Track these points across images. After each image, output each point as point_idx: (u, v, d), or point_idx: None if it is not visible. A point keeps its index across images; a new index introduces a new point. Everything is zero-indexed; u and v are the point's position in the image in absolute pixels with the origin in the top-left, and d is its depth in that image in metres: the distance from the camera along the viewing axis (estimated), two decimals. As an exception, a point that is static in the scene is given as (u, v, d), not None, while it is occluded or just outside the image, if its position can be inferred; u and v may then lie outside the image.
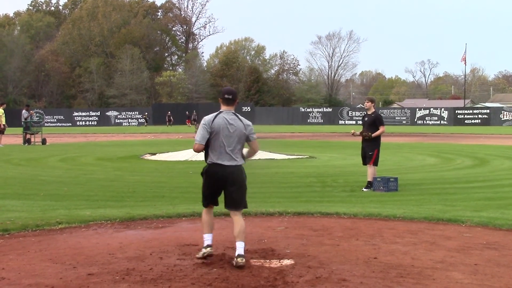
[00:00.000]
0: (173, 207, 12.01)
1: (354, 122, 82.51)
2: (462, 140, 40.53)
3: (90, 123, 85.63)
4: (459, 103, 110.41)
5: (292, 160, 23.59)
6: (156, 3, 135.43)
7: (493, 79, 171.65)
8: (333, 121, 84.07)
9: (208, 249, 7.60)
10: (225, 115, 7.58)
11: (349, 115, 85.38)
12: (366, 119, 15.24)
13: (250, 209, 11.48)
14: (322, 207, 11.92)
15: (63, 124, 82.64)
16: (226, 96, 7.65)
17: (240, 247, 7.39)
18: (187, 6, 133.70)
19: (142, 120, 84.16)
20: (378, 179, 14.79)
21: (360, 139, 15.47)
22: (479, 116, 79.78)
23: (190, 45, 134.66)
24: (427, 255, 7.96)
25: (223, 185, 7.66)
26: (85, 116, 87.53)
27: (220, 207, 11.66)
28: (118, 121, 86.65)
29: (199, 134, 7.53)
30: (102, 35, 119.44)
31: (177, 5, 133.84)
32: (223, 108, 7.68)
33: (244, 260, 7.25)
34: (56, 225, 10.03)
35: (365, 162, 15.23)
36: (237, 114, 7.72)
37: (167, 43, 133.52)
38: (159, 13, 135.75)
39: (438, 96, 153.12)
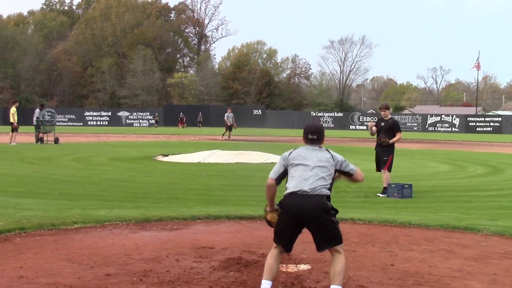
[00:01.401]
0: (188, 209, 11.99)
1: (365, 127, 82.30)
2: (474, 147, 40.39)
3: (101, 123, 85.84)
4: (471, 110, 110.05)
5: (305, 164, 23.50)
6: (169, 4, 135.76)
7: (505, 87, 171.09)
8: (344, 126, 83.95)
9: None
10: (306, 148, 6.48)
11: (360, 120, 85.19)
12: (383, 124, 15.19)
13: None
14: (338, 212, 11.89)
15: (75, 123, 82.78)
16: (310, 136, 6.47)
17: None
18: (200, 8, 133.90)
19: (153, 121, 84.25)
20: (393, 185, 14.76)
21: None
22: (491, 124, 79.47)
23: (203, 47, 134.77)
24: (445, 263, 7.93)
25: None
26: (96, 116, 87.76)
27: (236, 209, 11.79)
28: (129, 121, 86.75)
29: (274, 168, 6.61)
30: (115, 35, 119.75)
31: (190, 6, 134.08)
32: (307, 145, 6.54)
33: None
34: (72, 225, 10.04)
35: (379, 168, 15.22)
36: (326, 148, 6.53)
37: (179, 44, 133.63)
38: (172, 15, 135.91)
39: (450, 103, 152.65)
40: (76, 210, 11.54)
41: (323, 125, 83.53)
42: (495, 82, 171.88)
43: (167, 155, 25.87)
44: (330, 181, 6.29)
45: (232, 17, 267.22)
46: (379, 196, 14.77)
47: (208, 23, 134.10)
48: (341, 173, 6.47)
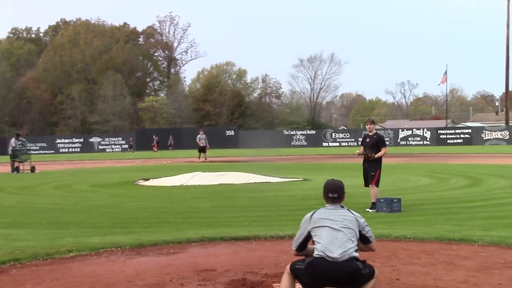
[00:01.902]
0: (181, 232, 11.91)
1: (337, 144, 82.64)
2: (450, 159, 40.71)
3: (73, 150, 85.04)
4: (441, 123, 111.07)
5: (288, 183, 23.55)
6: (137, 28, 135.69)
7: (471, 99, 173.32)
8: (316, 144, 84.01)
9: None
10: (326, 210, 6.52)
11: (333, 137, 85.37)
12: (368, 140, 15.31)
13: (259, 232, 11.53)
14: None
15: (46, 151, 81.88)
16: (330, 195, 6.52)
17: None
18: (169, 31, 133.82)
19: (126, 146, 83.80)
20: (382, 200, 14.82)
21: (359, 160, 15.51)
22: (461, 135, 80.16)
23: (172, 70, 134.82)
24: (449, 276, 7.96)
25: None
26: (68, 143, 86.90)
27: (230, 230, 11.74)
28: (102, 147, 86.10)
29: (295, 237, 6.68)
30: (84, 61, 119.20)
31: (158, 30, 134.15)
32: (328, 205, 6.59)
33: None
34: (67, 253, 9.90)
35: (367, 183, 15.30)
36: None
37: (149, 68, 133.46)
38: (140, 39, 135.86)
39: (419, 116, 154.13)
40: (68, 239, 11.40)
41: (296, 143, 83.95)
42: (462, 95, 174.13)
43: (148, 179, 25.72)
44: (357, 242, 6.24)
45: (201, 39, 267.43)
46: (368, 211, 14.81)
47: (177, 46, 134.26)
48: (360, 236, 6.38)
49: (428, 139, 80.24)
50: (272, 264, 8.91)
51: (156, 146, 78.98)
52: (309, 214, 6.51)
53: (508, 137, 75.83)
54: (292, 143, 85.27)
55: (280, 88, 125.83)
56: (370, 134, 15.40)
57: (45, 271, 8.75)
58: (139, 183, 24.93)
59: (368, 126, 15.43)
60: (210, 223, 13.36)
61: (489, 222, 12.70)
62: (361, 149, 15.51)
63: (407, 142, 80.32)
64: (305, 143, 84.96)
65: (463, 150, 57.92)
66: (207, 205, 16.89)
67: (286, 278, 6.38)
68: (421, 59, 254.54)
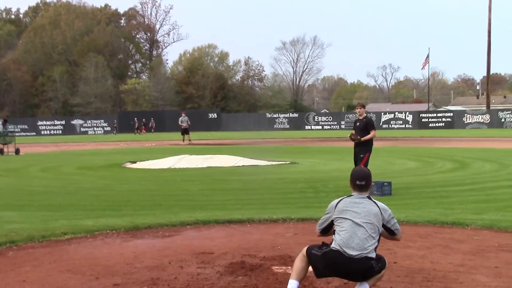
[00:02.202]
0: (175, 215, 11.92)
1: (320, 127, 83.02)
2: (434, 143, 40.98)
3: (55, 132, 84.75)
4: (422, 106, 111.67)
5: (276, 166, 23.60)
6: (119, 10, 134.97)
7: (452, 83, 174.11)
8: (299, 127, 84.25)
9: None
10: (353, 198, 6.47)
11: (315, 120, 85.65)
12: (358, 124, 15.43)
13: (254, 215, 11.58)
14: (323, 212, 11.96)
15: (27, 133, 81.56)
16: (358, 182, 6.46)
17: None
18: (151, 13, 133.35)
19: (108, 129, 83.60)
20: (372, 183, 14.86)
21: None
22: (443, 119, 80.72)
23: (154, 52, 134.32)
24: (445, 259, 8.03)
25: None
26: (49, 125, 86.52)
27: (224, 213, 11.78)
28: (84, 129, 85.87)
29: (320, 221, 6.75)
30: (65, 43, 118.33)
31: (140, 12, 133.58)
32: (355, 193, 6.53)
33: None
34: (62, 236, 9.89)
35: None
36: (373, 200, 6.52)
37: (131, 50, 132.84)
38: (122, 21, 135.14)
39: (401, 100, 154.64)
40: (62, 221, 11.37)
41: (279, 126, 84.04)
42: (443, 78, 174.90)
43: (135, 162, 25.68)
44: (378, 237, 6.27)
45: (183, 21, 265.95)
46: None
47: (159, 28, 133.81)
48: (385, 229, 6.42)
49: (410, 123, 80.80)
50: (269, 247, 8.95)
51: (144, 128, 78.71)
52: (335, 202, 6.49)
53: (489, 120, 76.52)
54: (275, 126, 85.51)
55: (263, 71, 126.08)
56: (360, 118, 15.50)
57: (42, 253, 8.73)
58: (126, 166, 24.89)
59: (358, 110, 15.56)
60: (202, 206, 13.39)
61: (479, 206, 12.84)
62: (353, 132, 15.66)
63: (389, 125, 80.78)
64: (287, 126, 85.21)
65: (445, 134, 58.40)
66: (198, 188, 16.91)
67: (300, 260, 6.42)
68: (402, 43, 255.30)
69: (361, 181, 6.45)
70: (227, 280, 7.05)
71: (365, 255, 6.03)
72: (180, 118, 47.06)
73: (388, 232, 6.48)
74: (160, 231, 10.37)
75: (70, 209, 13.24)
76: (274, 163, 24.59)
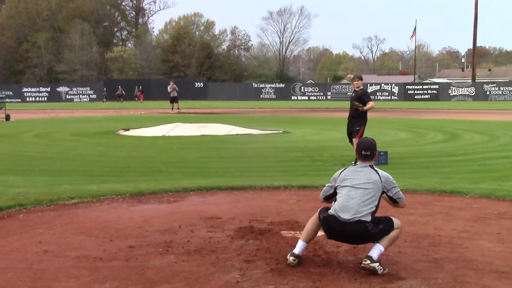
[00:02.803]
0: (176, 181, 12.09)
1: (306, 97, 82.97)
2: (422, 115, 41.27)
3: (40, 99, 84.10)
4: (408, 78, 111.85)
5: (269, 135, 23.74)
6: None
7: (437, 55, 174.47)
8: (285, 97, 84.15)
9: (291, 259, 6.43)
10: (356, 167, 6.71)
11: (302, 90, 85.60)
12: (353, 94, 15.40)
13: (255, 182, 11.76)
14: (324, 180, 12.09)
15: (12, 100, 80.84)
16: (363, 152, 6.67)
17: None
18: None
19: (94, 96, 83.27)
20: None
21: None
22: (429, 91, 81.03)
23: (140, 20, 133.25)
24: (448, 226, 8.26)
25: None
26: (35, 92, 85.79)
27: (225, 180, 11.96)
28: (69, 97, 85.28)
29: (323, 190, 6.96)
30: (50, 9, 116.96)
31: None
32: (358, 163, 6.79)
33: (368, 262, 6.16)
34: (69, 200, 10.05)
35: (351, 140, 15.42)
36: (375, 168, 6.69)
37: (116, 18, 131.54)
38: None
39: (386, 72, 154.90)
40: (66, 186, 11.52)
41: (265, 96, 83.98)
42: (428, 51, 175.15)
43: (128, 129, 25.75)
44: (376, 203, 6.40)
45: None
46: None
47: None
48: (388, 197, 6.61)
49: (396, 94, 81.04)
50: (275, 212, 9.14)
51: (141, 96, 78.02)
52: (338, 172, 6.75)
53: (474, 93, 76.91)
54: (261, 96, 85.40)
55: (249, 40, 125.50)
56: (357, 89, 15.48)
57: (52, 217, 8.89)
58: (120, 133, 24.96)
59: (356, 82, 15.37)
60: (202, 173, 13.57)
61: (475, 176, 13.11)
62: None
63: (375, 97, 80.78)
64: (274, 96, 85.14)
65: (431, 106, 58.79)
66: (195, 156, 17.06)
67: (311, 222, 6.64)
68: (388, 14, 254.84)
69: (366, 151, 6.66)
70: (239, 244, 7.24)
71: (358, 218, 6.21)
72: (169, 86, 47.08)
73: (391, 200, 6.66)
74: (164, 197, 10.54)
75: (72, 175, 13.37)
76: (267, 132, 24.75)
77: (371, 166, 6.62)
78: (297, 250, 6.48)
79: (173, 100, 46.57)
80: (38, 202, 9.81)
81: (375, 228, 6.28)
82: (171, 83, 47.55)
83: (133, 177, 13.05)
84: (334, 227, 6.33)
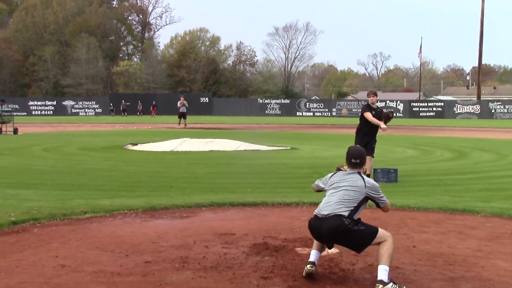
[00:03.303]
0: (188, 197, 12.11)
1: (311, 113, 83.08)
2: (427, 132, 41.31)
3: (46, 112, 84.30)
4: (413, 96, 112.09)
5: (277, 152, 23.76)
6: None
7: (442, 73, 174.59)
8: (291, 113, 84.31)
9: (308, 266, 6.61)
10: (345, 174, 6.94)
11: (307, 106, 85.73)
12: (373, 113, 15.29)
13: (266, 198, 11.79)
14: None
15: (18, 113, 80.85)
16: (353, 160, 6.90)
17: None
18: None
19: (100, 110, 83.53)
20: (379, 170, 15.13)
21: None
22: (434, 109, 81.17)
23: (146, 35, 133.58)
24: (462, 244, 8.27)
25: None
26: (40, 105, 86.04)
27: (236, 196, 12.00)
28: (75, 110, 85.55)
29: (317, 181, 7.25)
30: (57, 23, 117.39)
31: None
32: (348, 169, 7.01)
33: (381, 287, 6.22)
34: (82, 214, 10.09)
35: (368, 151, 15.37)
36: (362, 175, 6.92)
37: (123, 32, 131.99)
38: (114, 2, 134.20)
39: (391, 88, 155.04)
40: (78, 200, 11.55)
41: (270, 112, 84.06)
42: (433, 68, 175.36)
43: (136, 144, 25.79)
44: (355, 204, 6.62)
45: (175, 4, 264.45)
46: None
47: (152, 10, 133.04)
48: (372, 200, 6.91)
49: (401, 111, 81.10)
50: (288, 229, 9.17)
51: (154, 111, 77.94)
52: (329, 175, 7.08)
53: (479, 111, 77.02)
54: (266, 111, 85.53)
55: (255, 56, 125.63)
56: (373, 106, 15.43)
57: (67, 231, 8.91)
58: (128, 148, 25.00)
59: (372, 98, 15.39)
60: (213, 189, 13.58)
61: (486, 194, 13.11)
62: (373, 118, 15.23)
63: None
64: (279, 112, 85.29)
65: (437, 123, 58.81)
66: (204, 171, 17.07)
67: None
68: (393, 31, 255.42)
69: (356, 159, 6.93)
70: (255, 260, 7.26)
71: (334, 213, 6.49)
72: (179, 102, 47.32)
73: (376, 204, 7.02)
74: (177, 212, 10.57)
75: (83, 189, 13.41)
76: (274, 148, 24.76)
77: (359, 173, 6.88)
78: (312, 258, 6.71)
79: (182, 115, 46.75)
80: (52, 216, 9.85)
81: (353, 225, 6.48)
82: (182, 98, 47.80)
83: (145, 192, 13.08)
84: (313, 225, 6.64)
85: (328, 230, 6.46)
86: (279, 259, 7.32)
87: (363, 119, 15.46)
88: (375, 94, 15.55)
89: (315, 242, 6.81)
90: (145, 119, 67.71)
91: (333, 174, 7.00)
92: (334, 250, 7.78)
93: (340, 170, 7.14)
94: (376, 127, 15.25)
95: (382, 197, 6.91)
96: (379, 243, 6.53)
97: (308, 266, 6.57)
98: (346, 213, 6.48)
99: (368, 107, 15.55)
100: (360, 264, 7.12)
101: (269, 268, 6.93)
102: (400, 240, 8.39)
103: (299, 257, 7.39)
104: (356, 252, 6.77)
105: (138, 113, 79.95)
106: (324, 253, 7.65)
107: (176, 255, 7.49)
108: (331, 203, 6.59)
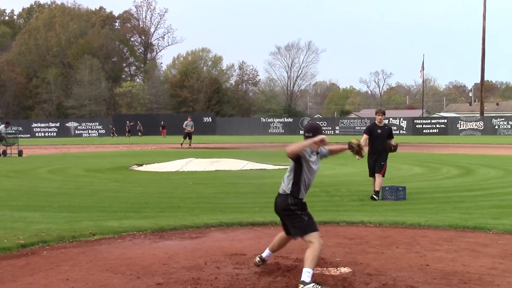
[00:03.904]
0: (197, 217, 12.06)
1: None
2: (432, 149, 41.31)
3: (49, 134, 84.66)
4: (415, 113, 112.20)
5: (283, 171, 23.38)
6: (114, 13, 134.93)
7: (444, 90, 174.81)
8: (294, 131, 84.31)
9: (257, 258, 7.78)
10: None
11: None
12: (379, 131, 15.28)
13: (275, 218, 11.67)
14: (344, 216, 12.12)
15: (22, 135, 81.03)
16: (306, 134, 7.29)
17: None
18: (146, 16, 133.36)
19: (103, 131, 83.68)
20: (387, 188, 15.07)
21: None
22: (437, 125, 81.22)
23: (149, 56, 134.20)
24: (476, 262, 8.17)
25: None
26: (44, 127, 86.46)
27: (245, 216, 11.92)
28: (78, 132, 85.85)
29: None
30: (60, 45, 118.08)
31: (135, 15, 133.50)
32: None
33: (301, 286, 6.73)
34: (91, 236, 10.03)
35: (373, 172, 15.33)
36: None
37: (125, 53, 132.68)
38: (117, 23, 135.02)
39: (393, 106, 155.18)
40: (86, 222, 11.48)
41: (274, 131, 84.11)
42: (435, 85, 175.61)
43: (141, 165, 25.78)
44: (292, 173, 7.36)
45: (177, 25, 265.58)
46: (375, 199, 14.92)
47: (154, 31, 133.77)
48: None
49: (404, 129, 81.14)
50: (299, 249, 9.05)
51: (163, 131, 77.86)
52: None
53: (482, 127, 77.03)
54: (269, 130, 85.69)
55: (257, 75, 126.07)
56: (380, 124, 15.42)
57: (76, 253, 8.84)
58: (134, 168, 25.00)
59: (380, 117, 15.40)
60: (221, 209, 13.53)
61: (496, 211, 13.03)
62: (362, 140, 14.93)
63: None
64: (282, 131, 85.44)
65: (441, 140, 58.77)
66: (211, 191, 17.03)
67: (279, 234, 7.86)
68: (395, 49, 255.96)
69: (308, 133, 7.29)
70: (267, 281, 7.19)
71: (283, 190, 7.35)
72: (185, 122, 47.31)
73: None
74: (186, 233, 10.50)
75: (91, 211, 13.35)
76: (280, 167, 24.66)
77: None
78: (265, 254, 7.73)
79: (187, 135, 46.72)
80: (61, 239, 9.79)
81: (294, 205, 7.22)
82: (189, 119, 47.82)
83: (153, 213, 13.02)
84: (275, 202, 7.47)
85: (278, 208, 7.47)
86: (292, 279, 7.24)
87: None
88: (383, 113, 15.58)
89: (272, 243, 7.78)
90: (148, 139, 67.67)
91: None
92: (347, 270, 7.72)
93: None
94: (383, 145, 15.20)
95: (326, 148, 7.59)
96: (305, 241, 7.23)
97: (257, 258, 7.70)
98: (289, 189, 7.26)
99: (370, 128, 15.71)
100: (374, 284, 7.04)
101: (282, 288, 6.86)
102: (413, 259, 8.33)
103: (312, 278, 7.29)
104: (290, 234, 7.54)
105: (138, 133, 79.87)
106: (337, 272, 7.61)
107: (188, 276, 7.40)
108: (283, 181, 7.40)
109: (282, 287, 6.93)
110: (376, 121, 15.57)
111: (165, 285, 7.02)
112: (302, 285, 6.64)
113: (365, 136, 15.46)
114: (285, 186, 7.30)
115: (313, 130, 7.27)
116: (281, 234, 7.76)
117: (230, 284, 7.03)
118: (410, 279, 7.21)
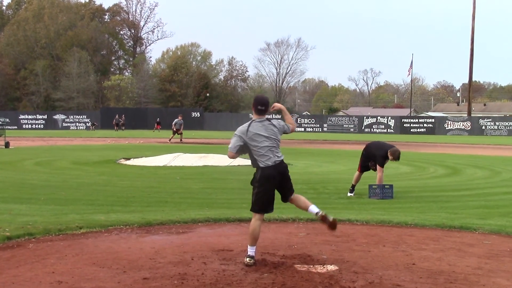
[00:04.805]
0: (184, 212, 12.04)
1: (303, 129, 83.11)
2: (419, 148, 41.43)
3: (36, 126, 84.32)
4: (403, 112, 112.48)
5: (271, 167, 23.67)
6: (103, 6, 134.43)
7: (432, 89, 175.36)
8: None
9: (247, 259, 7.78)
10: (258, 123, 7.85)
11: (298, 122, 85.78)
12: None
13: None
14: (331, 213, 12.03)
15: (9, 127, 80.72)
16: (259, 107, 7.85)
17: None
18: (135, 10, 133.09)
19: (89, 124, 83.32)
20: (374, 186, 15.08)
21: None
22: (425, 125, 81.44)
23: (138, 49, 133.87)
24: (462, 262, 8.19)
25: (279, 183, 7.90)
26: (31, 119, 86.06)
27: (232, 211, 11.90)
28: (66, 124, 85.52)
29: (232, 143, 7.91)
30: (48, 37, 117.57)
31: (125, 8, 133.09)
32: (255, 117, 7.96)
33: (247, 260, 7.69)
34: (78, 230, 9.98)
35: (363, 170, 15.41)
36: (269, 119, 7.93)
37: (114, 46, 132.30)
38: (106, 16, 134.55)
39: (382, 104, 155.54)
40: (73, 215, 11.44)
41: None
42: (423, 85, 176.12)
43: (129, 159, 25.73)
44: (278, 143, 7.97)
45: (167, 19, 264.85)
46: (351, 194, 15.15)
47: (143, 25, 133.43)
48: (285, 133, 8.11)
49: (392, 127, 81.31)
50: (286, 245, 9.09)
51: (158, 126, 77.47)
52: (245, 127, 7.85)
53: (469, 127, 77.36)
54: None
55: (246, 71, 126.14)
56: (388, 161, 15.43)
57: (62, 246, 8.80)
58: (121, 162, 24.93)
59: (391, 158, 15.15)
60: (208, 204, 13.52)
61: (483, 211, 13.07)
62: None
63: (371, 129, 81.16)
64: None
65: (428, 139, 58.98)
66: (199, 186, 17.00)
67: (257, 225, 7.97)
68: (384, 48, 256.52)
69: (262, 107, 7.81)
70: (254, 277, 7.18)
71: (279, 159, 7.86)
72: (175, 120, 47.04)
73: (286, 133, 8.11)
74: (173, 228, 10.47)
75: (78, 204, 13.31)
76: (268, 163, 24.64)
77: (268, 119, 7.85)
78: (252, 252, 7.82)
79: (177, 131, 46.52)
80: (47, 231, 9.73)
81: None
82: (180, 117, 47.58)
83: (140, 207, 12.98)
84: (272, 174, 7.83)
85: (282, 174, 7.76)
86: (279, 276, 7.24)
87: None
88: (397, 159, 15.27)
89: (254, 238, 7.76)
90: (136, 133, 67.47)
91: (249, 126, 7.79)
92: (333, 267, 7.73)
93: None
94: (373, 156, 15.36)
95: (285, 124, 8.07)
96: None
97: (247, 259, 7.71)
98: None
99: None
100: (361, 282, 7.03)
101: (269, 285, 6.86)
102: (399, 258, 8.34)
103: (298, 274, 7.32)
104: (284, 199, 8.24)
105: (121, 128, 79.40)
106: (323, 270, 7.62)
107: (175, 271, 7.39)
108: (276, 150, 7.75)
109: (269, 283, 6.90)
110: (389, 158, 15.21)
111: (152, 280, 6.99)
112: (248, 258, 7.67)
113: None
114: (281, 154, 7.85)
115: (266, 104, 7.88)
116: (260, 224, 8.01)
117: (217, 280, 7.01)
118: (396, 278, 7.21)
